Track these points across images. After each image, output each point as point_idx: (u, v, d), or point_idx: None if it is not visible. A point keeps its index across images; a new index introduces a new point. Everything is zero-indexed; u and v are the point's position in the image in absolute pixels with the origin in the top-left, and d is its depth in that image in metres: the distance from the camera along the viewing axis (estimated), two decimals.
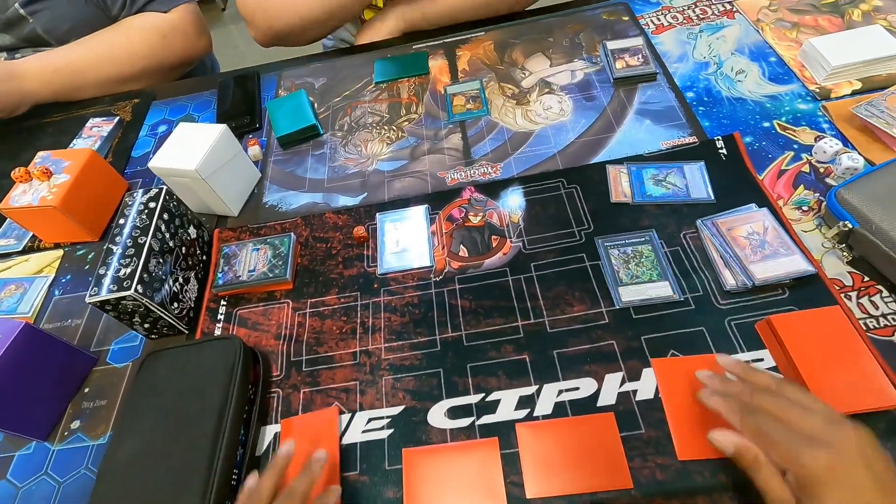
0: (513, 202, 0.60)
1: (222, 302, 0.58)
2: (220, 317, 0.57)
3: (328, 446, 0.45)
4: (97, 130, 0.82)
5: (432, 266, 0.57)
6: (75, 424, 0.52)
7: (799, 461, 0.32)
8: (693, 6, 0.77)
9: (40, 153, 0.68)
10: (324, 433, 0.47)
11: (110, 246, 0.53)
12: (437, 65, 0.79)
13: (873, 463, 0.31)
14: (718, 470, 0.40)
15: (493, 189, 0.62)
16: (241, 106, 0.80)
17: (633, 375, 0.46)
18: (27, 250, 0.69)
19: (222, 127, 0.62)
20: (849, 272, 0.49)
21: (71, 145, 0.80)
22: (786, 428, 0.33)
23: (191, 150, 0.60)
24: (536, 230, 0.57)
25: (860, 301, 0.47)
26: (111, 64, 0.86)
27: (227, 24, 2.78)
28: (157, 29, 0.87)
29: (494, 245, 0.57)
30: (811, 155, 0.57)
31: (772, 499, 0.33)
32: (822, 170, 0.56)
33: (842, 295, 0.47)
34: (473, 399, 0.47)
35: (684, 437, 0.42)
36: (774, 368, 0.44)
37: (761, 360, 0.45)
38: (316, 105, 0.78)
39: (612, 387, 0.46)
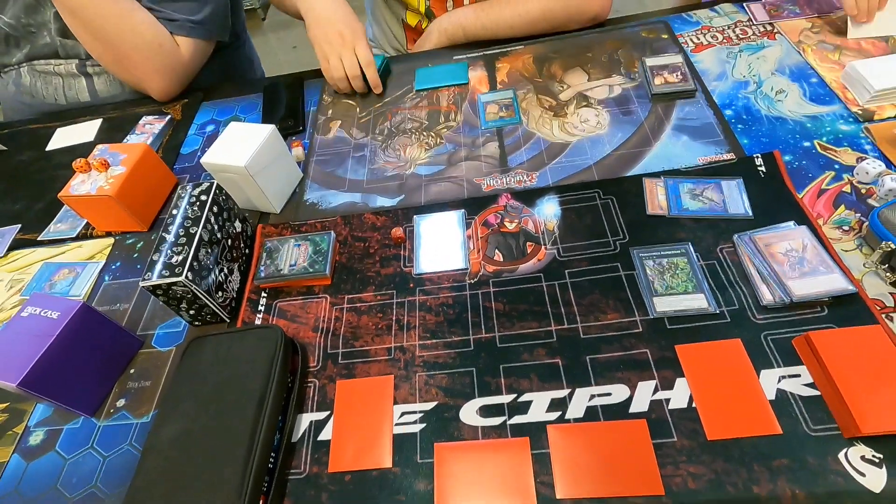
0: (548, 210, 0.61)
1: (263, 294, 0.60)
2: (260, 308, 0.59)
3: (383, 410, 0.49)
4: (149, 128, 0.86)
5: (467, 269, 0.58)
6: (120, 403, 0.55)
7: None
8: (733, 26, 0.78)
9: (99, 146, 0.72)
10: (378, 397, 0.50)
11: (163, 234, 0.56)
12: (476, 75, 0.81)
13: None
14: (752, 482, 0.40)
15: (528, 197, 0.63)
16: (285, 109, 0.83)
17: (667, 384, 0.46)
18: (80, 237, 0.73)
19: (271, 127, 0.65)
20: (890, 293, 0.48)
21: (125, 141, 0.85)
22: None
23: (241, 148, 0.63)
24: (571, 238, 0.58)
25: None
26: (114, 13, 0.79)
27: (266, 34, 2.88)
28: (161, 34, 0.84)
29: (529, 251, 0.58)
30: (853, 175, 0.57)
31: None
32: (863, 191, 0.56)
33: (883, 315, 0.47)
34: (505, 399, 0.48)
35: (712, 418, 0.43)
36: (811, 385, 0.44)
37: (798, 375, 0.45)
38: (358, 110, 0.81)
39: (644, 394, 0.46)
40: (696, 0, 1.06)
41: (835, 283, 0.48)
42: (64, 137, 0.91)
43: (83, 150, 0.86)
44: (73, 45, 0.89)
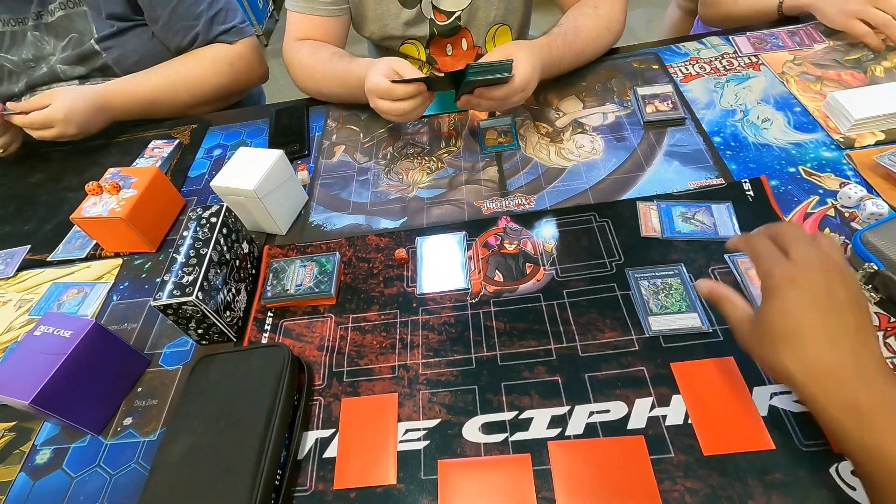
0: (546, 232, 0.64)
1: (269, 313, 0.62)
2: (266, 327, 0.61)
3: (387, 427, 0.50)
4: (158, 151, 0.89)
5: (469, 289, 0.60)
6: (128, 421, 0.56)
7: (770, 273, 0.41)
8: (720, 58, 0.82)
9: (111, 169, 0.74)
10: (383, 415, 0.51)
11: (174, 255, 0.57)
12: None
13: (832, 280, 0.39)
14: (747, 496, 0.41)
15: (527, 219, 0.66)
16: (291, 134, 0.86)
17: (663, 401, 0.48)
18: (89, 258, 0.74)
19: (279, 152, 0.68)
20: (875, 312, 0.50)
21: (133, 164, 0.87)
22: (770, 250, 0.42)
23: (249, 171, 0.66)
24: (569, 259, 0.60)
25: (887, 341, 0.48)
26: (185, 90, 0.96)
27: (269, 60, 2.93)
28: (225, 58, 0.98)
29: (528, 272, 0.60)
30: (836, 200, 0.60)
31: (733, 316, 0.44)
32: (847, 214, 0.58)
33: None
34: (507, 416, 0.49)
35: (707, 434, 0.45)
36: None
37: (789, 392, 0.46)
38: (361, 135, 0.84)
39: (642, 411, 0.47)
40: (686, 31, 1.11)
41: None
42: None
43: (93, 173, 0.88)
44: (70, 71, 0.95)
